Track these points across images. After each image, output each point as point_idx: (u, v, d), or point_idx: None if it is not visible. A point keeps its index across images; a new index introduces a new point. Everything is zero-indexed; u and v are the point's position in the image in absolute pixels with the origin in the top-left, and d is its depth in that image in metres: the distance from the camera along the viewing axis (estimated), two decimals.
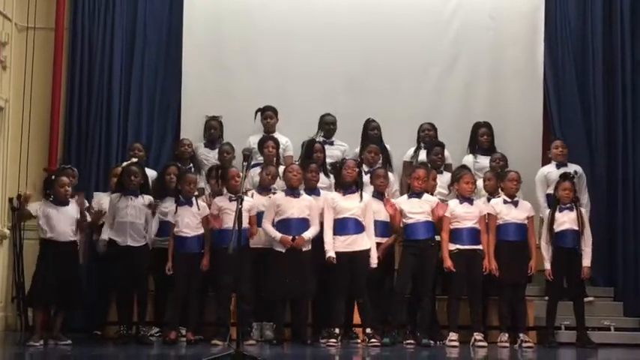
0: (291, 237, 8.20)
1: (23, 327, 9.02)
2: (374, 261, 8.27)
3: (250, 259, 8.17)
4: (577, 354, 8.25)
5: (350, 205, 8.32)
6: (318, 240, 8.36)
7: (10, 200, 9.38)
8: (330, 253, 8.19)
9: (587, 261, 8.54)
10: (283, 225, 8.28)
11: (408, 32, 10.07)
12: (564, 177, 8.71)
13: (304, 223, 8.29)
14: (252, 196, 8.35)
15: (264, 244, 8.36)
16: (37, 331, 8.06)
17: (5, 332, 9.18)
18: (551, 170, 9.25)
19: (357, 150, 9.31)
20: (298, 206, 8.30)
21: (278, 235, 8.23)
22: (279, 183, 8.69)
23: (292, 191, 8.37)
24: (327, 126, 9.47)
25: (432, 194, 8.70)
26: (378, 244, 8.42)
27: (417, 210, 8.44)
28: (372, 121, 9.43)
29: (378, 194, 8.57)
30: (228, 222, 8.13)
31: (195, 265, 8.28)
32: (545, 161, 9.65)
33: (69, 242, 8.12)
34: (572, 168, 9.21)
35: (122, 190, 8.33)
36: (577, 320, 8.57)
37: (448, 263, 8.37)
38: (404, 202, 8.53)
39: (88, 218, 8.40)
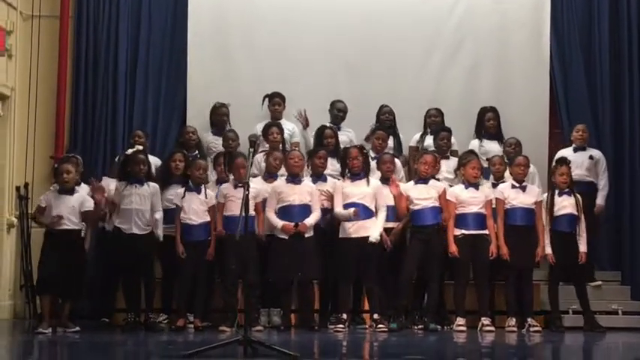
0: (293, 224, 8.20)
1: (31, 315, 9.10)
2: (374, 234, 8.21)
3: (256, 245, 8.18)
4: (585, 338, 8.25)
5: (357, 190, 8.33)
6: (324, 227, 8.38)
7: (17, 188, 9.42)
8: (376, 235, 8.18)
9: (583, 246, 8.56)
10: (285, 212, 8.29)
11: (412, 17, 10.03)
12: (561, 162, 8.70)
13: (306, 210, 8.30)
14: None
15: (266, 230, 8.36)
16: (45, 319, 8.08)
17: (14, 320, 9.23)
18: (569, 154, 9.23)
19: (367, 134, 9.30)
20: (300, 192, 8.31)
21: (280, 222, 8.23)
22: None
23: (293, 178, 8.37)
24: (338, 113, 9.47)
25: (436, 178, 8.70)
26: (389, 230, 8.42)
27: (424, 196, 8.44)
28: (385, 106, 9.44)
29: (386, 180, 8.56)
30: (234, 209, 8.16)
31: (201, 252, 8.30)
32: (552, 145, 9.64)
33: (71, 230, 8.12)
34: (590, 152, 9.25)
35: (127, 179, 8.33)
36: (582, 304, 8.59)
37: (453, 248, 8.36)
38: (410, 188, 8.52)
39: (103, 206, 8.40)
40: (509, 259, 8.44)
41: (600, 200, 9.27)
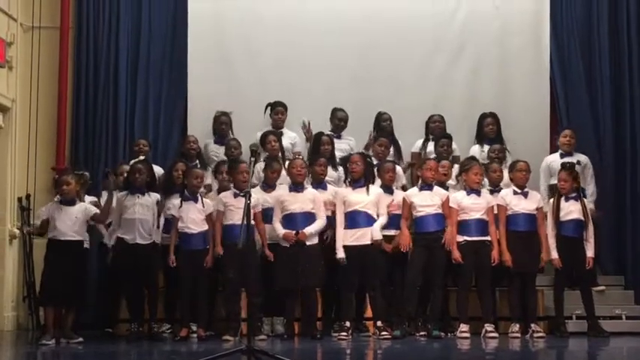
0: (294, 232, 8.21)
1: (35, 326, 9.09)
2: (376, 235, 8.23)
3: (258, 253, 8.18)
4: (588, 343, 8.23)
5: (359, 198, 8.33)
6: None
7: (19, 200, 9.42)
8: (340, 255, 8.22)
9: (590, 252, 8.54)
10: (288, 220, 8.30)
11: (413, 23, 10.06)
12: (562, 167, 8.70)
13: (309, 217, 8.30)
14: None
15: (271, 239, 8.37)
16: (48, 330, 8.07)
17: (17, 331, 9.22)
18: (555, 159, 9.23)
19: (367, 141, 9.28)
20: (302, 200, 8.32)
21: (282, 231, 8.24)
22: (287, 178, 8.65)
23: (296, 186, 8.38)
24: (339, 122, 9.46)
25: (446, 185, 8.70)
26: (389, 237, 8.42)
27: (427, 202, 8.41)
28: (384, 113, 9.44)
29: (387, 188, 8.56)
30: (233, 218, 8.16)
31: (200, 261, 8.27)
32: (553, 150, 9.63)
33: (73, 241, 8.11)
34: (577, 158, 9.19)
35: (129, 188, 8.34)
36: (586, 309, 8.56)
37: (456, 255, 8.35)
38: (414, 195, 8.51)
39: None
40: (511, 265, 8.42)
41: (591, 205, 9.19)
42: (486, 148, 9.39)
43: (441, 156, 9.02)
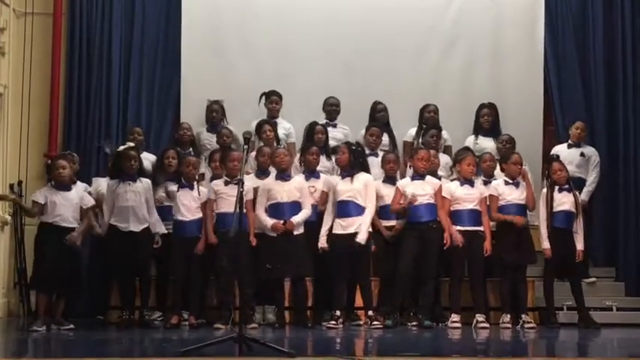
0: (282, 221, 8.19)
1: (26, 312, 9.08)
2: (362, 236, 8.20)
3: (250, 242, 8.17)
4: (579, 334, 8.25)
5: (346, 187, 8.32)
6: (316, 223, 8.41)
7: (11, 186, 9.39)
8: (322, 244, 8.25)
9: (580, 244, 8.56)
10: (275, 209, 8.28)
11: (408, 14, 10.04)
12: (550, 159, 8.71)
13: (295, 206, 8.29)
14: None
15: (258, 228, 8.34)
16: (39, 316, 8.06)
17: (8, 318, 9.20)
18: (562, 150, 9.25)
19: (363, 132, 9.27)
20: (288, 189, 8.30)
21: (269, 222, 8.22)
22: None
23: (281, 175, 8.36)
24: (331, 107, 9.45)
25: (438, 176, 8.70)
26: (389, 228, 8.43)
27: (419, 192, 8.40)
28: (379, 103, 9.43)
29: (389, 178, 8.55)
30: (224, 206, 8.14)
31: (193, 249, 8.27)
32: (547, 141, 9.65)
33: (70, 228, 8.11)
34: (583, 149, 9.31)
35: (119, 176, 8.31)
36: (576, 301, 8.59)
37: (457, 238, 8.32)
38: (407, 184, 8.50)
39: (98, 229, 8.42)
40: (499, 255, 8.42)
41: (584, 196, 9.22)
42: (480, 139, 9.39)
43: (429, 145, 9.00)
